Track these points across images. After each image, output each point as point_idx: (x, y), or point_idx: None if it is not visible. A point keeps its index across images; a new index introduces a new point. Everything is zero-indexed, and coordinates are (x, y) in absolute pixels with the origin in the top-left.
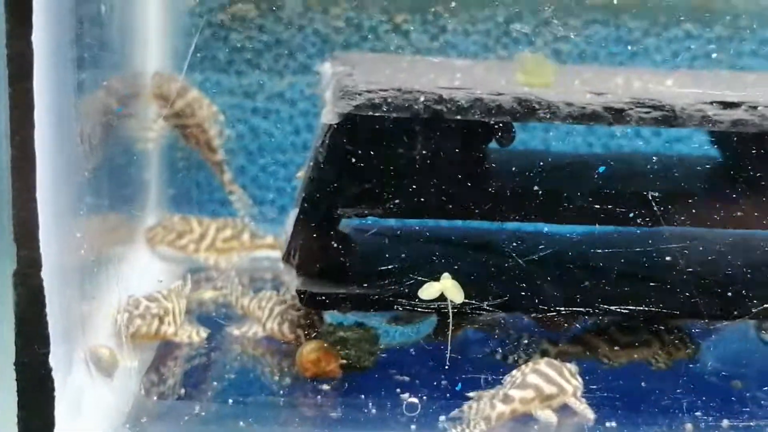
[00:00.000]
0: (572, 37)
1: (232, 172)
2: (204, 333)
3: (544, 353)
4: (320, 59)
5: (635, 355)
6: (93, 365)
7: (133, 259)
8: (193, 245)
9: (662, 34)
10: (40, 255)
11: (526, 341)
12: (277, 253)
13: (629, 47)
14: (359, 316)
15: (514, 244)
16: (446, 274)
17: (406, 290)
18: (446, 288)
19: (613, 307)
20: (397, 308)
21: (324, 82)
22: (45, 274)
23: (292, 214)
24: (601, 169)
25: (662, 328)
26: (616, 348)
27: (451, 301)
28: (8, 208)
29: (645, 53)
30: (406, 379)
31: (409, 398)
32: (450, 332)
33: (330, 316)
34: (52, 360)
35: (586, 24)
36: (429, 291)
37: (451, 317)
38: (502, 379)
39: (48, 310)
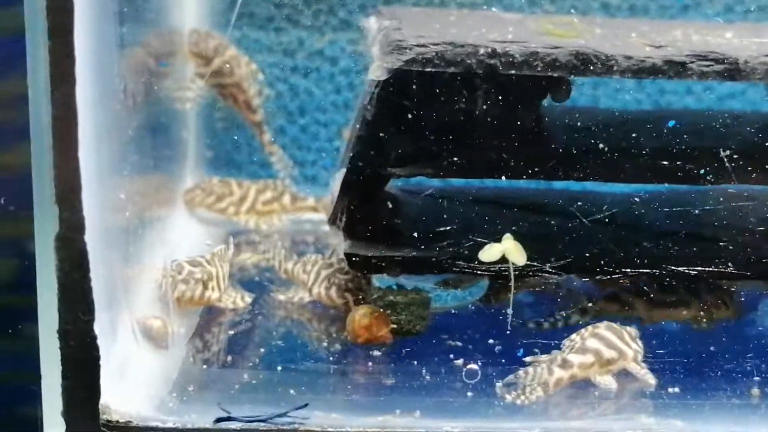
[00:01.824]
0: None
1: (271, 133)
2: (249, 298)
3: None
4: (361, 15)
5: (696, 318)
6: (144, 336)
7: (173, 222)
8: (233, 208)
9: None
10: (83, 217)
11: (574, 305)
12: (319, 215)
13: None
14: (411, 280)
15: (573, 204)
16: (508, 235)
17: (465, 252)
18: (508, 250)
19: (680, 268)
20: (454, 271)
21: (370, 38)
22: (88, 237)
23: (338, 174)
24: (671, 123)
25: (728, 289)
26: (680, 310)
27: (513, 264)
28: (50, 168)
29: (697, 7)
30: (459, 344)
31: (468, 365)
32: (512, 295)
33: (377, 280)
34: (97, 327)
35: None
36: (490, 253)
37: (512, 280)
38: (559, 343)
39: (92, 275)
